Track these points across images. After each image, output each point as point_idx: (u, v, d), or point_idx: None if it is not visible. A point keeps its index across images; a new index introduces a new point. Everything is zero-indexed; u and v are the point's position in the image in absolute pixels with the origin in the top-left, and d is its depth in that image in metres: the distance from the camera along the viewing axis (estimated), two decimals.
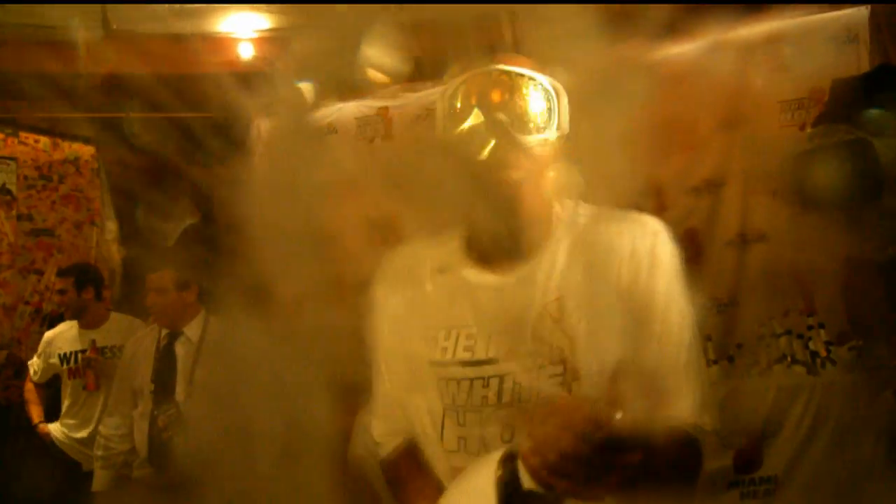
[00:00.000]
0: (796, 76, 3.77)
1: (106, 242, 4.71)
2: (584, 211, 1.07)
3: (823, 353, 2.93)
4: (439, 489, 0.97)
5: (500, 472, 0.78)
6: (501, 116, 0.95)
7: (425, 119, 4.22)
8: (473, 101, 0.96)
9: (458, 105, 0.97)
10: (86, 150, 4.61)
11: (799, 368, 2.90)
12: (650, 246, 1.00)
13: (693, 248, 4.00)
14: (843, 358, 2.90)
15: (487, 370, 0.97)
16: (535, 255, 1.01)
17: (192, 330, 2.41)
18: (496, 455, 0.81)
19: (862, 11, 3.55)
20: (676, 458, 0.90)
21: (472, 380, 0.97)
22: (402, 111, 4.32)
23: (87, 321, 3.30)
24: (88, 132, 4.54)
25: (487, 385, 0.97)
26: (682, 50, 3.89)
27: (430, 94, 4.21)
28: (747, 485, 2.83)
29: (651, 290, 0.96)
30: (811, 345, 3.01)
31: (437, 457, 1.02)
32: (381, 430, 1.09)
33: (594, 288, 0.96)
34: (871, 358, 2.56)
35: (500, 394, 0.96)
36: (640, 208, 1.08)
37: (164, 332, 2.44)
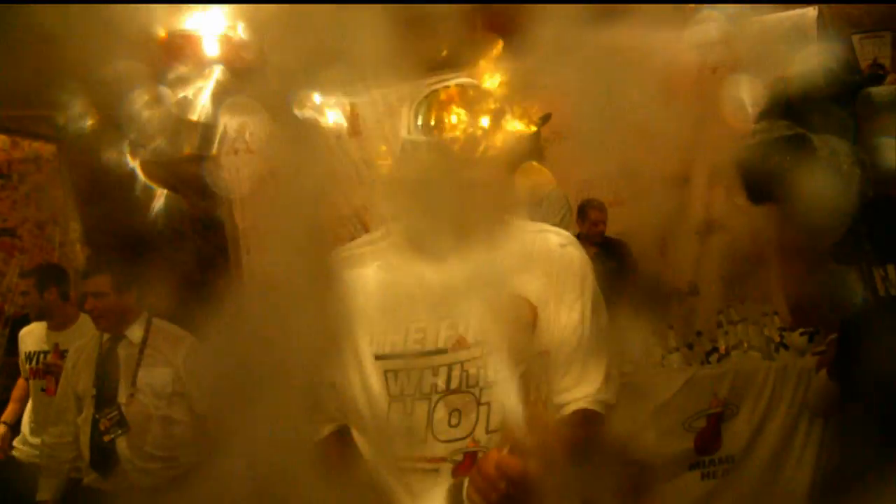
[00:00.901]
0: (751, 74, 3.93)
1: (70, 242, 4.63)
2: (509, 220, 1.16)
3: (777, 339, 3.08)
4: (363, 479, 1.06)
5: (451, 499, 0.94)
6: (450, 135, 1.04)
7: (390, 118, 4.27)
8: (430, 118, 1.05)
9: (414, 117, 1.06)
10: (47, 149, 4.52)
11: (755, 353, 3.04)
12: (560, 255, 1.12)
13: (657, 240, 4.14)
14: (795, 343, 3.05)
15: (436, 360, 1.05)
16: (468, 256, 1.07)
17: (133, 332, 2.40)
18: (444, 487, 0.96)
19: (810, 12, 3.72)
20: (583, 436, 1.07)
21: (422, 370, 1.04)
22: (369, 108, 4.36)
23: (55, 322, 3.23)
24: (49, 130, 4.46)
25: (437, 374, 1.04)
26: (647, 42, 4.01)
27: (394, 91, 4.25)
28: (707, 465, 2.96)
29: (559, 291, 1.09)
30: (766, 331, 3.15)
31: (376, 445, 1.08)
32: (316, 417, 1.13)
33: (517, 288, 1.08)
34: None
35: (448, 381, 1.04)
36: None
37: (106, 336, 2.41)
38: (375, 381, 1.06)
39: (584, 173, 3.92)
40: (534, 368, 1.06)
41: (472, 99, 1.07)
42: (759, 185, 1.66)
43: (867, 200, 1.64)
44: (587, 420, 1.08)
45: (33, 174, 4.43)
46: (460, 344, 1.04)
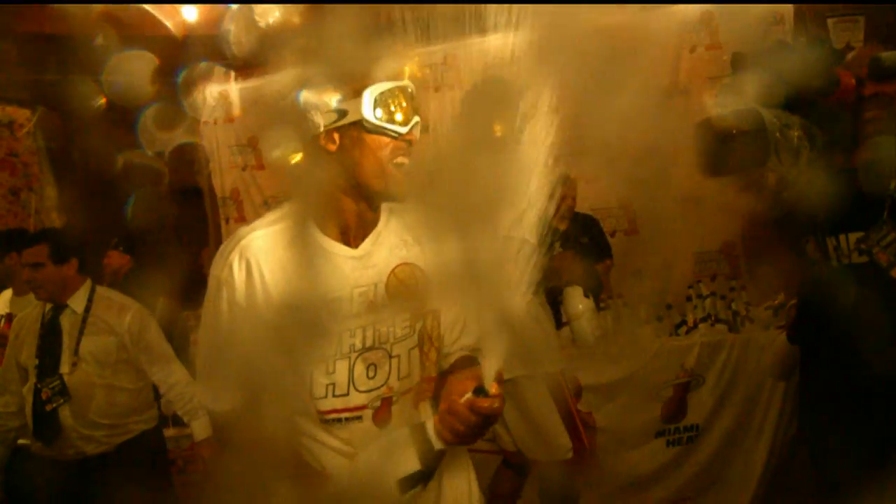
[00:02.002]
0: (726, 54, 4.00)
1: (45, 209, 4.59)
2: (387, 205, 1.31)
3: (743, 313, 3.19)
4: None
5: (418, 437, 1.12)
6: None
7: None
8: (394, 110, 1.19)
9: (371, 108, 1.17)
10: (21, 114, 4.45)
11: (721, 326, 3.15)
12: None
13: (631, 216, 4.23)
14: (760, 317, 3.17)
15: (353, 323, 1.20)
16: (373, 235, 1.26)
17: (76, 302, 2.40)
18: (404, 429, 1.14)
19: None
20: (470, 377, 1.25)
21: (340, 332, 1.19)
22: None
23: (17, 289, 3.18)
24: (24, 95, 4.39)
25: (354, 335, 1.20)
26: (623, 19, 4.05)
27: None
28: (672, 433, 3.08)
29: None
30: (734, 305, 3.26)
31: (301, 406, 1.20)
32: (229, 389, 1.19)
33: (420, 256, 1.27)
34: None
35: (364, 340, 1.21)
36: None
37: (49, 306, 2.41)
38: (301, 343, 1.17)
39: (558, 149, 3.96)
40: (428, 324, 1.27)
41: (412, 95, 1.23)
42: (711, 158, 1.70)
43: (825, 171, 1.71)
44: (470, 362, 1.28)
45: (7, 139, 4.36)
46: (370, 308, 1.21)
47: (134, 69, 3.74)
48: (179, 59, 4.01)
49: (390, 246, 1.26)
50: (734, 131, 1.57)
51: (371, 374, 1.21)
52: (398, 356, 1.23)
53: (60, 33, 3.75)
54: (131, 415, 2.45)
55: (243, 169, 4.65)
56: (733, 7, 3.89)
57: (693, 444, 3.08)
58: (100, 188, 4.28)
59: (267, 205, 4.57)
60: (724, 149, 1.61)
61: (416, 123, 1.21)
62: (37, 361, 2.37)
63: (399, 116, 1.17)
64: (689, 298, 3.33)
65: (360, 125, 1.16)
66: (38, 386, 2.34)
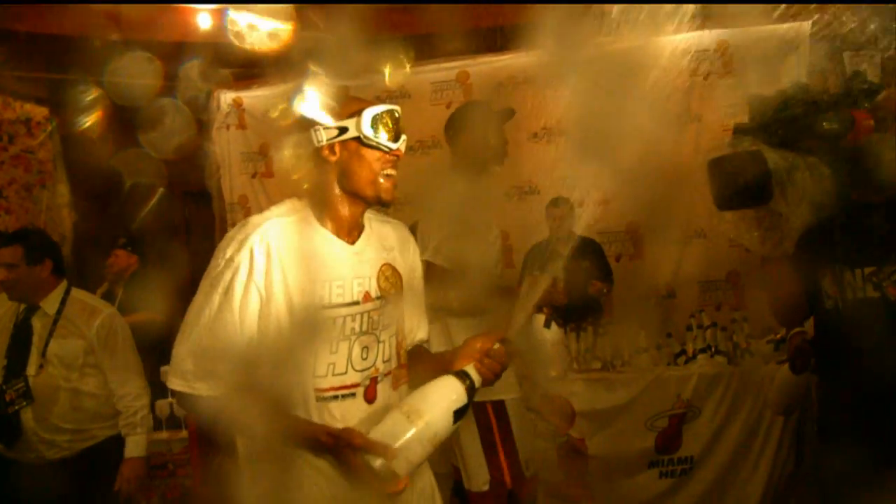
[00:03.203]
0: (740, 82, 3.98)
1: (56, 206, 4.65)
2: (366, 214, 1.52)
3: (744, 345, 3.14)
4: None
5: (462, 378, 1.35)
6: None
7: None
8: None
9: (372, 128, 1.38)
10: (38, 111, 4.53)
11: (720, 358, 3.10)
12: (409, 240, 1.58)
13: (638, 241, 4.20)
14: (760, 351, 3.12)
15: (354, 309, 1.38)
16: (364, 235, 1.46)
17: (48, 304, 2.37)
18: (449, 374, 1.35)
19: (804, 25, 3.75)
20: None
21: (344, 317, 1.37)
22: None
23: None
24: (41, 93, 4.46)
25: (354, 319, 1.38)
26: (638, 44, 4.04)
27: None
28: (666, 464, 3.03)
29: (411, 266, 1.55)
30: (735, 337, 3.21)
31: (298, 383, 1.34)
32: (226, 369, 1.31)
33: (395, 261, 1.49)
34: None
35: (361, 324, 1.39)
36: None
37: (23, 306, 2.39)
38: (310, 325, 1.33)
39: (567, 170, 3.95)
40: (401, 317, 1.50)
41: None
42: (719, 195, 1.76)
43: (839, 208, 1.75)
44: (420, 353, 1.59)
45: (23, 136, 4.44)
46: (366, 297, 1.40)
47: (142, 73, 3.80)
48: (191, 64, 4.06)
49: (376, 247, 1.46)
50: (739, 172, 1.70)
51: (364, 355, 1.39)
52: (384, 342, 1.42)
53: (76, 34, 3.82)
54: (96, 420, 2.40)
55: (253, 176, 4.69)
56: (748, 36, 3.87)
57: (687, 477, 3.03)
58: (109, 188, 4.34)
59: None
60: (730, 187, 1.75)
61: (403, 140, 1.41)
62: (5, 362, 2.34)
63: (390, 134, 1.38)
64: (689, 328, 3.28)
65: (359, 140, 1.37)
66: (3, 387, 2.31)
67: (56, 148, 4.64)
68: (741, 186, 1.70)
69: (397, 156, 1.40)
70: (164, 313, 4.30)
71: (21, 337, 2.37)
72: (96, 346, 2.37)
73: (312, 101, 1.38)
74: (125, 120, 4.17)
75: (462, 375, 1.35)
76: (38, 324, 2.37)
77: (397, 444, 1.25)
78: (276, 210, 1.40)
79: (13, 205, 4.40)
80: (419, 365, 1.50)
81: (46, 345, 2.33)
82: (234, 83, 4.48)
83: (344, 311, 1.37)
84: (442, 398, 1.31)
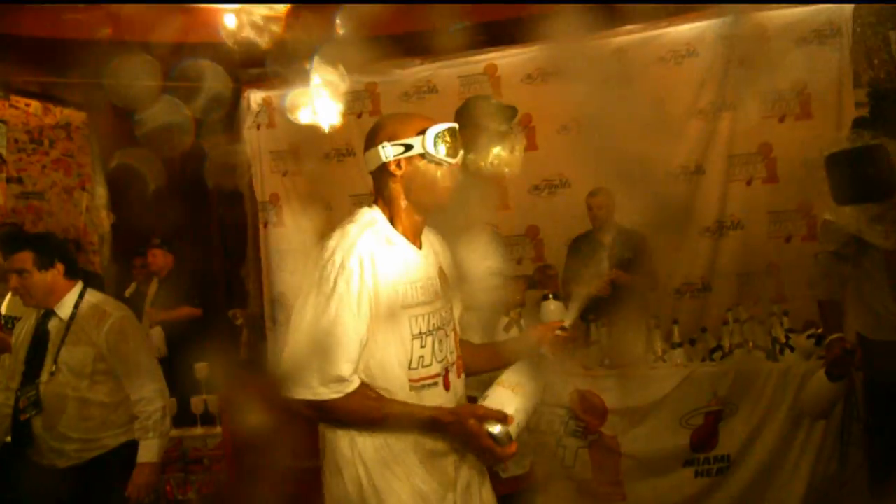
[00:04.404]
0: (779, 67, 3.82)
1: (95, 208, 4.78)
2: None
3: (783, 340, 3.02)
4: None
5: (542, 359, 1.59)
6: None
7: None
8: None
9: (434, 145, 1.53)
10: (77, 116, 4.65)
11: (759, 353, 2.99)
12: (445, 245, 1.72)
13: (669, 235, 4.08)
14: (801, 346, 2.99)
15: (433, 307, 1.55)
16: (425, 241, 1.62)
17: (62, 308, 2.34)
18: (532, 356, 1.58)
19: (845, 7, 3.59)
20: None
21: (429, 313, 1.53)
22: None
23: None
24: (80, 98, 4.58)
25: (434, 316, 1.54)
26: (667, 34, 3.93)
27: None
28: (702, 463, 2.94)
29: (449, 270, 1.68)
30: (773, 331, 3.09)
31: (395, 376, 1.49)
32: (349, 370, 1.44)
33: (443, 264, 1.65)
34: None
35: (437, 321, 1.55)
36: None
37: (41, 311, 2.37)
38: (404, 324, 1.49)
39: (590, 164, 3.88)
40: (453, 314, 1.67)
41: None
42: (841, 189, 1.77)
43: None
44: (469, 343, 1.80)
45: (63, 140, 4.57)
46: (437, 297, 1.56)
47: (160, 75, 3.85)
48: (225, 65, 4.11)
49: (432, 251, 1.62)
50: (860, 166, 1.76)
51: (439, 348, 1.54)
52: (450, 336, 1.58)
53: (106, 39, 3.90)
54: (108, 429, 2.34)
55: (284, 174, 4.73)
56: (786, 18, 3.72)
57: (723, 477, 2.93)
58: (145, 189, 4.44)
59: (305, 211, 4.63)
60: (851, 182, 1.81)
61: (461, 155, 1.56)
62: (24, 367, 2.34)
63: (450, 150, 1.53)
64: (725, 322, 3.18)
65: (423, 156, 1.51)
66: (18, 394, 2.31)
67: (94, 151, 4.76)
68: (863, 181, 1.76)
69: (456, 169, 1.55)
70: (201, 307, 4.41)
71: (39, 343, 2.35)
72: (106, 353, 2.31)
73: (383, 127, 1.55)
74: (155, 122, 4.25)
75: (541, 357, 1.60)
76: (53, 330, 2.35)
77: (510, 412, 1.44)
78: (360, 219, 1.53)
79: (55, 207, 4.53)
80: (480, 353, 1.72)
81: (59, 352, 2.31)
82: (264, 82, 4.52)
83: (427, 308, 1.53)
84: (534, 375, 1.52)
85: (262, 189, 4.74)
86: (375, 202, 1.57)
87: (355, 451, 1.47)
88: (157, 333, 4.33)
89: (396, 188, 1.53)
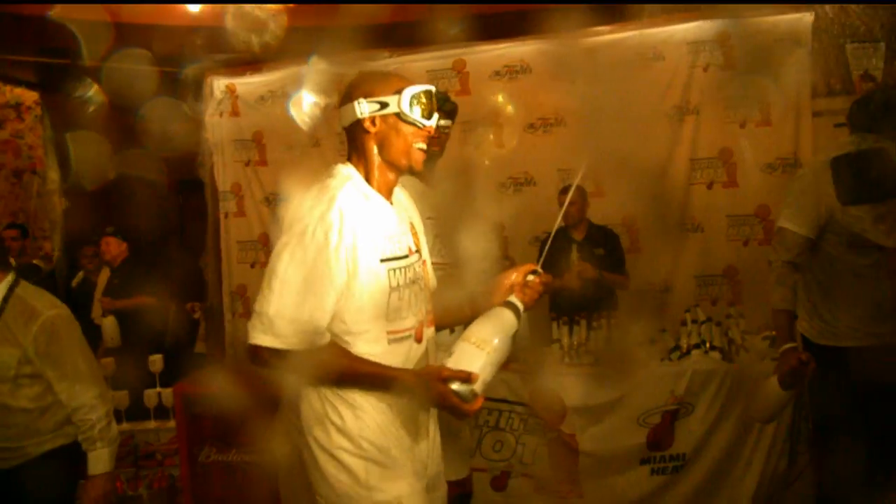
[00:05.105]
0: (742, 75, 3.90)
1: (47, 193, 4.60)
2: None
3: (739, 341, 3.09)
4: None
5: (511, 307, 1.56)
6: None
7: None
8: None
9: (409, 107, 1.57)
10: (29, 96, 4.46)
11: (715, 354, 3.05)
12: (411, 200, 1.77)
13: (632, 235, 4.14)
14: (756, 347, 3.07)
15: (408, 261, 1.59)
16: (395, 198, 1.66)
17: None
18: (499, 306, 1.56)
19: (806, 17, 3.68)
20: None
21: (404, 267, 1.57)
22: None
23: None
24: (32, 77, 4.40)
25: (409, 270, 1.58)
26: (635, 37, 3.98)
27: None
28: (658, 461, 2.99)
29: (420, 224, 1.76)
30: (730, 332, 3.16)
31: (374, 329, 1.53)
32: (323, 322, 1.48)
33: (412, 219, 1.71)
34: None
35: (412, 275, 1.59)
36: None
37: None
38: (382, 277, 1.51)
39: (566, 162, 3.90)
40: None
41: None
42: (846, 190, 1.84)
43: None
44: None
45: (13, 121, 4.38)
46: (410, 251, 1.61)
47: (134, 58, 3.74)
48: (184, 51, 3.99)
49: (401, 208, 1.66)
50: (865, 168, 1.86)
51: (415, 301, 1.59)
52: (424, 290, 1.64)
53: (66, 16, 3.75)
54: (31, 437, 2.12)
55: (246, 164, 4.62)
56: (749, 27, 3.79)
57: (678, 474, 2.98)
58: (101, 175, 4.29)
59: (268, 201, 4.54)
60: (856, 184, 1.90)
61: (436, 118, 1.59)
62: None
63: (425, 112, 1.55)
64: (683, 323, 3.23)
65: (397, 115, 1.54)
66: None
67: (47, 134, 4.58)
68: (867, 182, 1.86)
69: (429, 132, 1.57)
70: (158, 297, 4.28)
71: None
72: (33, 355, 2.08)
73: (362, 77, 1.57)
74: (117, 107, 4.11)
75: (511, 305, 1.57)
76: None
77: (475, 370, 1.45)
78: (337, 174, 1.57)
79: (3, 190, 4.35)
80: (453, 305, 1.72)
81: None
82: (228, 70, 4.41)
83: (403, 262, 1.57)
84: (501, 326, 1.52)
85: (223, 179, 4.62)
86: (349, 159, 1.59)
87: (326, 404, 1.50)
88: (111, 323, 4.21)
89: (370, 145, 1.56)
